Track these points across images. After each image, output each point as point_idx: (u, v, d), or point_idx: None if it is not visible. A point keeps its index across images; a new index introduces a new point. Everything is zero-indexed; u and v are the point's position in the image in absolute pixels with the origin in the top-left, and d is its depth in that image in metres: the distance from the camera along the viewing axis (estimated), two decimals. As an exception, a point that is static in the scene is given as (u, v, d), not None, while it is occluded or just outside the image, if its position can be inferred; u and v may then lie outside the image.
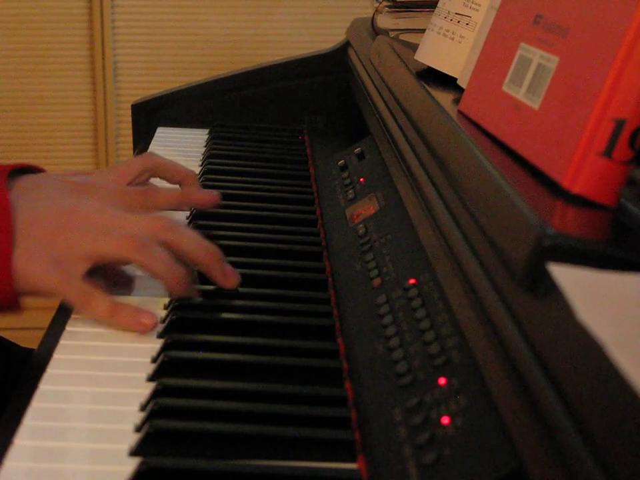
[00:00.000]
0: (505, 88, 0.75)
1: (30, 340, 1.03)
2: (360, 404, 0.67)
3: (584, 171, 0.61)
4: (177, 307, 0.80)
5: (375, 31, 1.33)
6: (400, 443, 0.60)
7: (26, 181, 0.86)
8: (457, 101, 0.85)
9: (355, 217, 0.97)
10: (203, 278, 0.83)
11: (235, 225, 1.01)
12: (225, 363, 0.73)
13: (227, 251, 0.93)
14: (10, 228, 0.77)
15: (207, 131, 1.42)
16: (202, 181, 1.16)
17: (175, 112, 1.48)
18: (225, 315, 0.80)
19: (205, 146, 1.35)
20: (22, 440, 0.63)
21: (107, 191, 0.86)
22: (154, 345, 0.76)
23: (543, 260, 0.53)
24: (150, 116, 1.47)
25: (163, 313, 0.81)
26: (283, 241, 0.97)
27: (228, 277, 0.83)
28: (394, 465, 0.58)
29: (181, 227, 0.82)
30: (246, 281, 0.87)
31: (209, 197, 0.94)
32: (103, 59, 2.43)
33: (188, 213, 1.04)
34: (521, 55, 0.74)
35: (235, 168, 1.22)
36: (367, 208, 0.97)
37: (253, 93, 1.49)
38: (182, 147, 1.36)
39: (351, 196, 1.03)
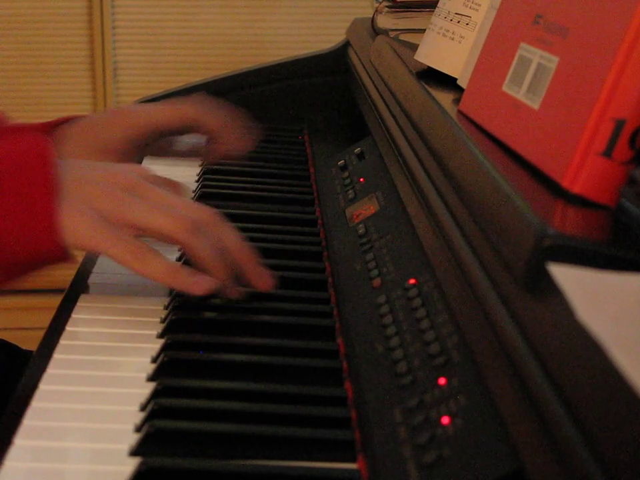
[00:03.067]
0: (504, 88, 0.75)
1: (30, 340, 1.03)
2: (360, 404, 0.67)
3: (584, 170, 0.61)
4: (177, 306, 0.80)
5: (375, 31, 1.33)
6: (400, 442, 0.60)
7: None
8: (457, 101, 0.85)
9: (354, 216, 0.97)
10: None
11: (234, 224, 1.01)
12: (224, 362, 0.73)
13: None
14: (56, 182, 0.75)
15: (207, 131, 1.42)
16: (202, 181, 1.16)
17: (175, 112, 1.47)
18: (225, 315, 0.80)
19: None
20: (22, 440, 0.63)
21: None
22: (154, 345, 0.76)
23: (543, 260, 0.53)
24: (150, 116, 1.47)
25: (162, 313, 0.81)
26: (283, 241, 0.97)
27: (263, 279, 0.82)
28: (394, 465, 0.58)
29: (226, 222, 0.81)
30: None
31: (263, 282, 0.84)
32: (103, 59, 2.43)
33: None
34: (520, 55, 0.74)
35: (235, 168, 1.22)
36: (366, 208, 0.97)
37: (253, 92, 1.49)
38: (182, 146, 1.36)
39: (350, 196, 1.03)
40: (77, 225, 0.75)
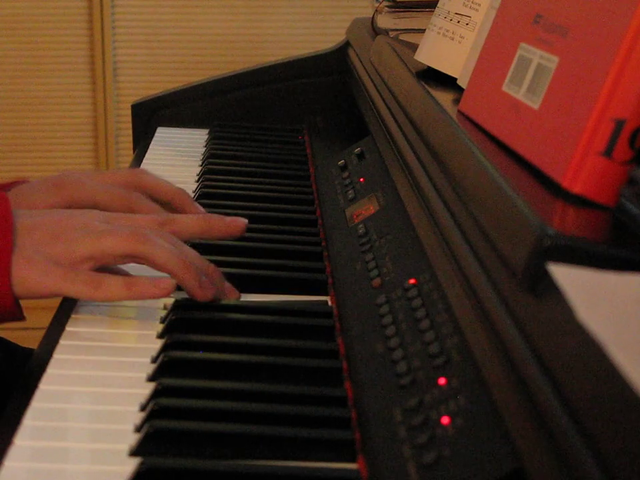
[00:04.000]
0: (504, 88, 0.75)
1: (30, 340, 1.03)
2: (360, 404, 0.67)
3: (584, 170, 0.61)
4: (177, 306, 0.80)
5: (375, 31, 1.33)
6: (400, 442, 0.60)
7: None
8: (456, 101, 0.85)
9: (354, 216, 0.97)
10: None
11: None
12: (224, 363, 0.73)
13: (227, 250, 0.93)
14: (10, 235, 0.76)
15: (206, 131, 1.42)
16: (202, 181, 1.16)
17: (175, 112, 1.48)
18: (225, 315, 0.80)
19: (205, 146, 1.35)
20: (22, 440, 0.63)
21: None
22: (154, 345, 0.76)
23: (543, 260, 0.53)
24: (150, 116, 1.47)
25: (162, 313, 0.81)
26: (283, 241, 0.97)
27: (230, 293, 0.83)
28: (394, 465, 0.58)
29: (178, 220, 0.82)
30: (246, 281, 0.87)
31: (235, 225, 0.86)
32: (103, 59, 2.43)
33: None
34: (520, 54, 0.74)
35: (235, 168, 1.22)
36: (367, 208, 0.97)
37: (253, 92, 1.49)
38: (182, 147, 1.36)
39: (350, 196, 1.03)
40: (26, 274, 0.75)
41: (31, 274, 0.75)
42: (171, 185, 0.96)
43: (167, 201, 0.95)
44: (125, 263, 0.80)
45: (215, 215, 0.87)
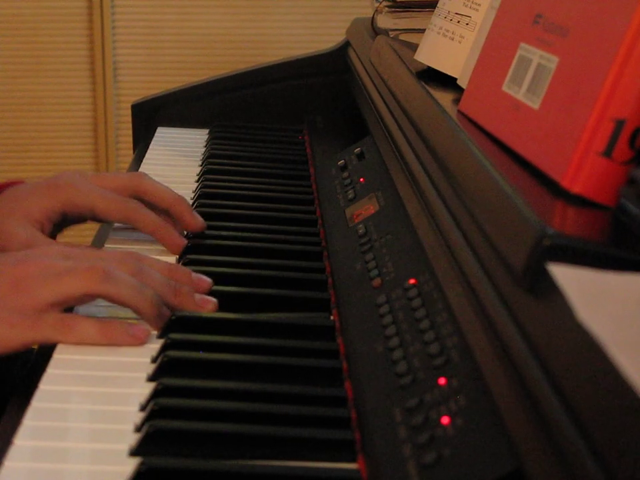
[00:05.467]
0: (504, 88, 0.75)
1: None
2: (360, 404, 0.67)
3: (584, 170, 0.61)
4: (177, 306, 0.80)
5: (375, 31, 1.33)
6: (400, 442, 0.60)
7: None
8: (456, 101, 0.85)
9: (355, 216, 0.97)
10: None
11: (234, 224, 1.01)
12: (224, 363, 0.73)
13: (228, 251, 0.93)
14: None
15: (206, 131, 1.42)
16: (202, 181, 1.16)
17: (175, 112, 1.48)
18: (225, 315, 0.80)
19: (205, 146, 1.35)
20: (22, 440, 0.63)
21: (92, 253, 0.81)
22: (154, 345, 0.76)
23: (542, 260, 0.53)
24: (150, 116, 1.47)
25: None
26: (283, 241, 0.97)
27: (201, 305, 0.80)
28: (394, 465, 0.58)
29: (146, 263, 0.79)
30: (246, 280, 0.87)
31: (201, 284, 0.82)
32: (103, 59, 2.43)
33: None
34: (520, 55, 0.74)
35: (235, 168, 1.22)
36: (366, 208, 0.97)
37: (253, 92, 1.49)
38: (182, 146, 1.36)
39: (350, 196, 1.03)
40: None
41: None
42: (171, 192, 0.95)
43: (165, 208, 0.94)
44: (88, 302, 0.77)
45: (181, 269, 0.83)
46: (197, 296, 0.80)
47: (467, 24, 0.96)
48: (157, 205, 0.94)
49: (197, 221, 0.95)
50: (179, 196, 0.95)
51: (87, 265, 0.75)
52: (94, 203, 0.90)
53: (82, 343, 0.74)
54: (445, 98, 0.88)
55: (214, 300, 0.81)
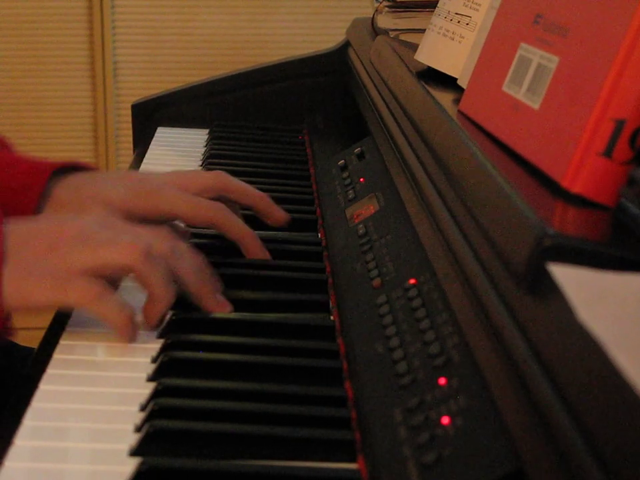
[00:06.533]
0: (504, 88, 0.75)
1: (30, 340, 1.03)
2: (360, 404, 0.67)
3: (584, 170, 0.61)
4: (177, 307, 0.80)
5: (375, 31, 1.33)
6: (400, 442, 0.60)
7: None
8: (457, 101, 0.85)
9: (355, 217, 0.97)
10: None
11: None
12: (224, 363, 0.73)
13: (228, 251, 0.93)
14: (1, 245, 0.73)
15: (206, 131, 1.42)
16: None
17: (175, 112, 1.48)
18: (225, 315, 0.80)
19: (205, 146, 1.35)
20: (22, 440, 0.63)
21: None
22: (154, 345, 0.76)
23: (542, 260, 0.53)
24: (150, 116, 1.47)
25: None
26: (283, 241, 0.97)
27: (220, 306, 0.80)
28: (394, 465, 0.58)
29: (182, 248, 0.79)
30: (246, 281, 0.87)
31: (220, 306, 0.81)
32: (103, 59, 2.43)
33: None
34: (520, 55, 0.74)
35: (235, 168, 1.22)
36: (366, 208, 0.97)
37: (253, 92, 1.49)
38: (182, 146, 1.36)
39: (351, 196, 1.03)
40: (19, 285, 0.72)
41: (24, 285, 0.73)
42: (254, 190, 0.96)
43: (249, 205, 0.96)
44: (118, 276, 0.77)
45: (209, 266, 0.83)
46: (218, 296, 0.80)
47: (467, 24, 0.96)
48: (242, 202, 0.95)
49: (284, 215, 0.97)
50: (262, 193, 0.96)
51: (128, 239, 0.75)
52: (179, 211, 0.89)
53: (101, 318, 0.74)
54: (445, 98, 0.88)
55: (231, 306, 0.81)
